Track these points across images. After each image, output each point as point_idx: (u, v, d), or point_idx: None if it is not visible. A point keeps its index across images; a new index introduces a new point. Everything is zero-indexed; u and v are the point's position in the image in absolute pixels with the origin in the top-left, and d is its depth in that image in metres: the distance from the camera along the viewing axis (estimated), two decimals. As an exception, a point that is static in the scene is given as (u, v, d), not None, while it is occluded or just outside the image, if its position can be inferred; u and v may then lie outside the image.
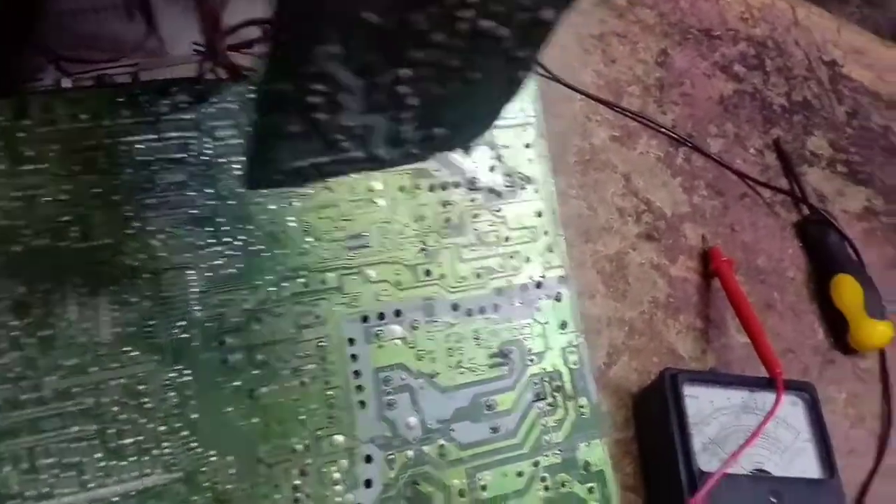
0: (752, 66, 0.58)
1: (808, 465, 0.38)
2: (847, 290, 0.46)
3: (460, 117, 0.21)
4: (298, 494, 0.30)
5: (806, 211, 0.51)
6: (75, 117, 0.30)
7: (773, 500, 0.36)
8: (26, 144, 0.29)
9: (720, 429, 0.38)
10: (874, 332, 0.45)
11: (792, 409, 0.40)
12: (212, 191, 0.31)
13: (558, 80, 0.51)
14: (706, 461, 0.36)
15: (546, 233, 0.36)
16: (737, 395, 0.39)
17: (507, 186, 0.35)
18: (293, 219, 0.32)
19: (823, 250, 0.49)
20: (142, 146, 0.30)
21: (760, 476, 0.37)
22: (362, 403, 0.32)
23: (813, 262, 0.49)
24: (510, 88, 0.22)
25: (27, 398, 0.27)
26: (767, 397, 0.39)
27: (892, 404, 0.45)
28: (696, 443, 0.37)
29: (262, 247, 0.31)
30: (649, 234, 0.47)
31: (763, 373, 0.40)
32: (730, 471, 0.36)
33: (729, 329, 0.45)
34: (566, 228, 0.46)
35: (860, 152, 0.57)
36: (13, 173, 0.28)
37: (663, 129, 0.52)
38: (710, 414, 0.38)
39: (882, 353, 0.47)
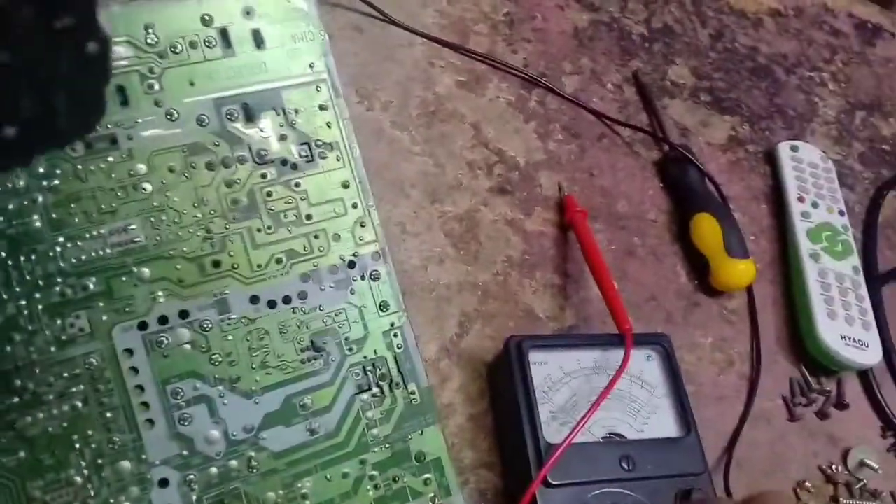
0: (610, -7, 0.55)
1: (664, 424, 0.36)
2: (706, 230, 0.44)
3: (31, 109, 0.17)
4: (81, 533, 0.26)
5: (667, 147, 0.48)
6: None
7: (624, 465, 0.34)
8: None
9: (571, 395, 0.36)
10: (734, 271, 0.43)
11: (647, 365, 0.37)
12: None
13: (394, 23, 0.46)
14: (555, 432, 0.34)
15: (355, 205, 0.32)
16: (588, 357, 0.37)
17: (304, 157, 0.31)
18: (38, 217, 0.27)
19: (683, 189, 0.46)
20: None
21: (612, 441, 0.35)
22: (150, 422, 0.28)
23: (674, 202, 0.47)
24: (92, 66, 0.17)
25: None
26: (621, 355, 0.37)
27: (762, 344, 0.44)
28: (545, 412, 0.35)
29: (2, 255, 0.26)
30: (502, 188, 0.44)
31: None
32: (579, 440, 0.34)
33: (588, 282, 0.42)
34: (412, 189, 0.42)
35: (725, 78, 0.55)
36: None
37: (514, 71, 0.48)
38: (561, 380, 0.36)
39: (750, 292, 0.45)
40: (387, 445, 0.31)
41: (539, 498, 0.32)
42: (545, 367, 0.36)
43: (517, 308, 0.41)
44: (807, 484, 0.39)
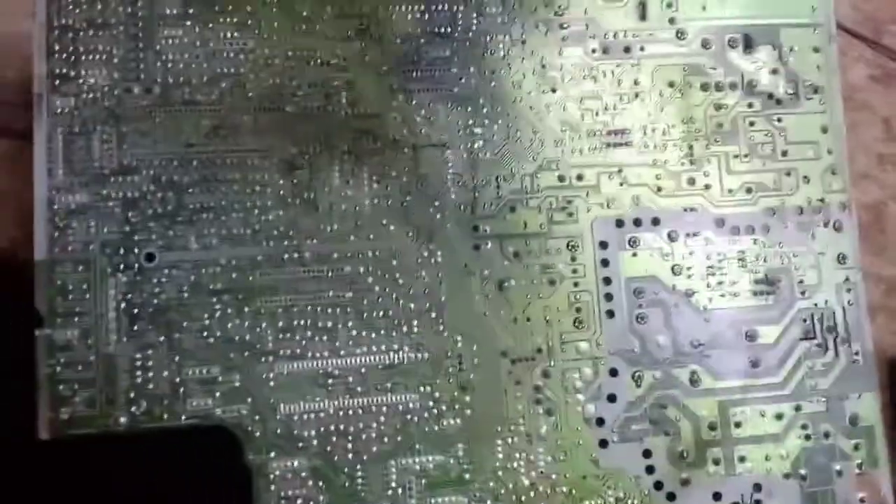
0: None
1: None
2: None
3: None
4: (539, 396, 0.28)
5: None
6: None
7: None
8: (303, 3, 0.28)
9: None
10: None
11: None
12: (474, 68, 0.29)
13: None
14: None
15: (830, 152, 0.31)
16: None
17: (790, 94, 0.31)
18: (552, 107, 0.30)
19: None
20: (410, 16, 0.29)
21: None
22: (610, 313, 0.29)
23: None
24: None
25: (288, 258, 0.27)
26: None
27: None
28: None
29: (520, 133, 0.29)
30: (914, 186, 0.42)
31: None
32: None
33: None
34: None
35: None
36: (289, 31, 0.28)
37: (932, 73, 0.45)
38: None
39: None
40: (823, 399, 0.30)
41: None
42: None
43: (927, 309, 0.38)
44: None
